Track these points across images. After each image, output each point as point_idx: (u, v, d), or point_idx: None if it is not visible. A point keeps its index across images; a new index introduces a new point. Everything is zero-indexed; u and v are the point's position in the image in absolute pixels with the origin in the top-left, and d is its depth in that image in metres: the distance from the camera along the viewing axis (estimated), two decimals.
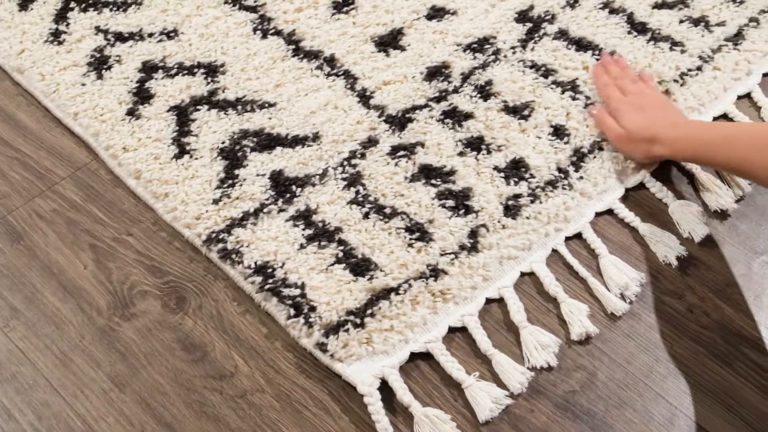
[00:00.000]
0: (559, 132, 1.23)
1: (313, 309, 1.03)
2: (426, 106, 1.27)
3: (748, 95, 1.32)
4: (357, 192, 1.16)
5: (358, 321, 1.02)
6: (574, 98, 1.27)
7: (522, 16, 1.40)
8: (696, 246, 1.13)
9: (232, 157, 1.20)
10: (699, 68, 1.32)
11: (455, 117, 1.25)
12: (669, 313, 1.07)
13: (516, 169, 1.18)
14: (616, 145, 1.20)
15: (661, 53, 1.33)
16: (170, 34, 1.38)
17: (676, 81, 1.30)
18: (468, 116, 1.25)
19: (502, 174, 1.18)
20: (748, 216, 1.17)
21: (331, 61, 1.34)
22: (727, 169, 1.17)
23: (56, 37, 1.38)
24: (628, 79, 1.26)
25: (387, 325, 1.02)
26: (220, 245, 1.11)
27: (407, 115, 1.25)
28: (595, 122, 1.24)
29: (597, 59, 1.32)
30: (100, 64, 1.33)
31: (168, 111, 1.26)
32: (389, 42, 1.36)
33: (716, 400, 0.99)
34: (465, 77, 1.31)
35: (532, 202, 1.15)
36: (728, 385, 1.01)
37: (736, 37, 1.36)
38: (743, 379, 1.01)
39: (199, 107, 1.27)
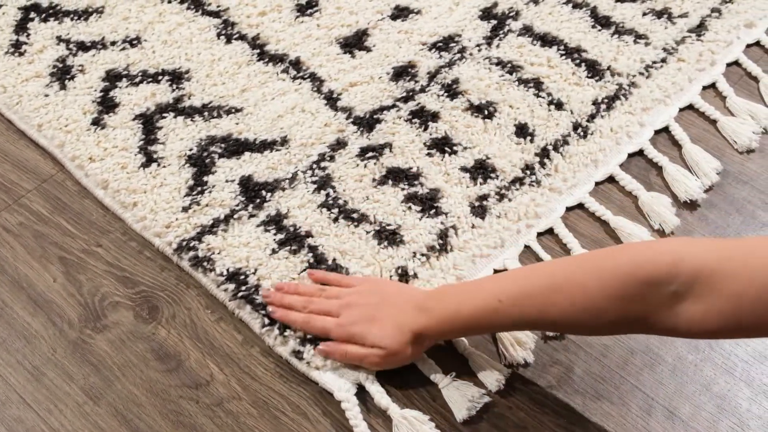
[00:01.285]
0: (523, 130, 1.23)
1: None
2: (393, 106, 1.26)
3: (713, 85, 1.33)
4: (327, 195, 1.15)
5: None
6: (537, 95, 1.27)
7: (486, 14, 1.41)
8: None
9: (201, 163, 1.19)
10: (663, 60, 1.33)
11: (423, 117, 1.24)
12: None
13: (482, 169, 1.18)
14: (385, 367, 0.99)
15: (625, 46, 1.34)
16: (133, 42, 1.37)
17: (641, 74, 1.30)
18: (435, 116, 1.25)
19: (469, 174, 1.18)
20: (717, 205, 1.18)
21: (296, 64, 1.33)
22: (521, 326, 0.98)
23: (17, 48, 1.36)
24: (317, 297, 1.03)
25: None
26: (191, 253, 1.10)
27: (375, 116, 1.25)
28: (336, 359, 1.00)
29: (561, 54, 1.33)
30: (62, 74, 1.32)
31: (134, 119, 1.25)
32: (354, 43, 1.36)
33: (693, 390, 1.00)
34: (431, 76, 1.31)
35: (500, 200, 1.15)
36: (703, 374, 1.01)
37: (699, 28, 1.38)
38: (719, 367, 1.02)
39: (165, 114, 1.26)
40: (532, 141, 1.21)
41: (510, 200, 1.15)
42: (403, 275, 1.07)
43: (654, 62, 1.32)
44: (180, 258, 1.10)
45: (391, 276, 1.07)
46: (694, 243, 0.84)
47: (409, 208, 1.14)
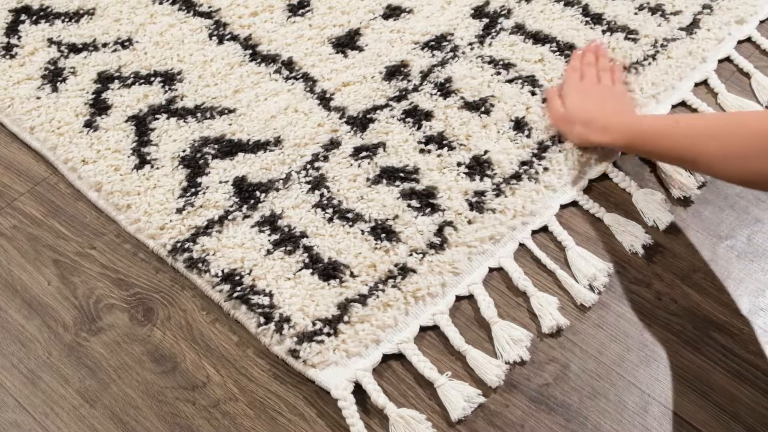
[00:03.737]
0: (520, 126, 1.23)
1: (283, 316, 1.03)
2: (387, 105, 1.26)
3: (704, 82, 1.33)
4: (321, 195, 1.15)
5: (331, 330, 1.02)
6: (533, 93, 1.27)
7: (478, 12, 1.41)
8: (661, 234, 1.14)
9: (194, 165, 1.19)
10: (654, 56, 1.33)
11: (416, 116, 1.24)
12: (638, 301, 1.08)
13: (479, 165, 1.18)
14: (554, 123, 1.23)
15: (616, 43, 1.34)
16: (125, 44, 1.36)
17: (632, 70, 1.31)
18: (429, 114, 1.25)
19: (466, 170, 1.18)
20: (711, 202, 1.18)
21: (289, 64, 1.33)
22: (673, 159, 1.12)
23: (8, 50, 1.36)
24: (595, 67, 1.27)
25: (359, 329, 1.02)
26: (186, 254, 1.10)
27: (368, 116, 1.25)
28: (547, 92, 1.27)
29: (553, 51, 1.33)
30: (54, 76, 1.31)
31: (126, 121, 1.25)
32: (347, 43, 1.36)
33: (688, 386, 1.00)
34: (424, 75, 1.31)
35: (497, 196, 1.15)
36: (699, 370, 1.02)
37: (692, 25, 1.38)
38: (713, 363, 1.02)
39: (157, 116, 1.25)
40: (528, 137, 1.21)
41: (506, 196, 1.15)
42: (402, 271, 1.07)
43: (645, 59, 1.32)
44: (174, 260, 1.10)
45: (391, 274, 1.07)
46: None
47: (407, 205, 1.14)
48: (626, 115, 1.18)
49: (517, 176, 1.17)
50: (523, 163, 1.19)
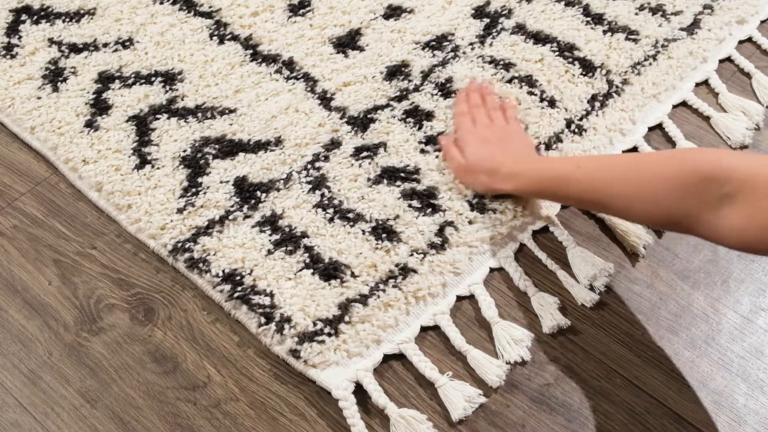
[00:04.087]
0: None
1: (284, 316, 1.03)
2: (387, 105, 1.26)
3: (705, 82, 1.33)
4: (322, 195, 1.15)
5: (332, 330, 1.02)
6: (531, 93, 1.27)
7: (479, 12, 1.41)
8: (662, 234, 1.14)
9: (195, 165, 1.19)
10: (655, 57, 1.33)
11: (417, 116, 1.24)
12: (639, 301, 1.08)
13: None
14: (457, 176, 1.16)
15: (617, 43, 1.34)
16: (125, 44, 1.36)
17: (633, 71, 1.31)
18: (429, 115, 1.25)
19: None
20: None
21: (289, 64, 1.33)
22: (584, 203, 1.10)
23: (8, 50, 1.36)
24: (485, 109, 1.21)
25: (360, 329, 1.02)
26: (187, 254, 1.10)
27: (369, 116, 1.25)
28: (442, 142, 1.20)
29: (553, 51, 1.33)
30: (55, 76, 1.31)
31: (127, 121, 1.25)
32: (347, 43, 1.36)
33: (688, 386, 1.00)
34: (425, 75, 1.31)
35: (497, 197, 1.15)
36: (700, 370, 1.02)
37: (692, 25, 1.38)
38: (715, 363, 1.02)
39: (158, 116, 1.25)
40: None
41: (506, 196, 1.15)
42: (403, 272, 1.07)
43: (646, 59, 1.32)
44: (175, 260, 1.10)
45: (392, 274, 1.07)
46: (752, 156, 0.94)
47: (408, 205, 1.14)
48: (531, 162, 1.11)
49: None
50: None
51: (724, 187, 0.84)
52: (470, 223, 1.12)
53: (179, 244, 1.11)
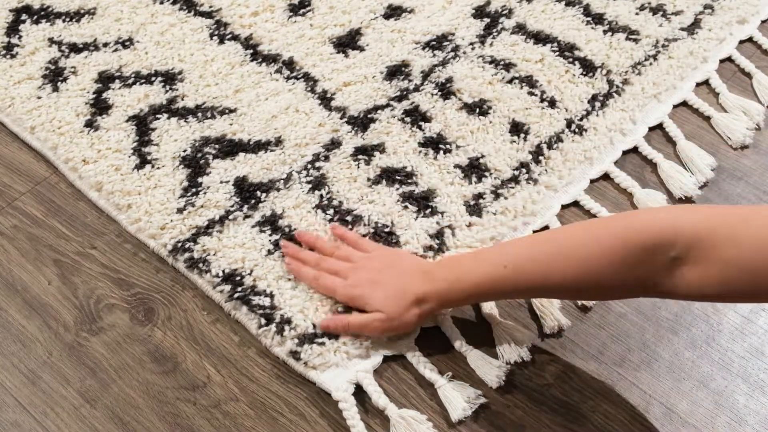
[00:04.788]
0: (518, 128, 1.23)
1: (284, 318, 1.03)
2: (387, 105, 1.26)
3: (706, 82, 1.33)
4: (322, 195, 1.15)
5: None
6: (531, 93, 1.27)
7: (479, 12, 1.41)
8: None
9: (195, 165, 1.19)
10: (655, 56, 1.33)
11: (417, 116, 1.24)
12: (639, 302, 1.07)
13: (477, 168, 1.18)
14: (385, 333, 1.01)
15: (618, 43, 1.34)
16: (125, 43, 1.36)
17: (634, 71, 1.31)
18: (429, 115, 1.24)
19: (463, 173, 1.18)
20: (712, 201, 1.18)
21: (290, 64, 1.33)
22: (524, 292, 1.00)
23: (9, 50, 1.35)
24: (329, 257, 1.06)
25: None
26: (187, 254, 1.09)
27: (369, 116, 1.25)
28: (338, 331, 1.01)
29: (554, 51, 1.33)
30: (55, 76, 1.31)
31: (127, 121, 1.25)
32: (348, 43, 1.36)
33: (690, 387, 1.00)
34: (425, 75, 1.30)
35: (496, 198, 1.15)
36: (701, 371, 1.02)
37: (693, 25, 1.38)
38: (716, 363, 1.02)
39: (158, 116, 1.25)
40: (525, 139, 1.21)
41: (506, 198, 1.15)
42: None
43: (647, 59, 1.32)
44: (175, 260, 1.10)
45: None
46: (693, 210, 0.87)
47: (405, 207, 1.13)
48: (440, 271, 0.98)
49: (515, 178, 1.17)
50: (521, 165, 1.18)
51: (671, 252, 0.81)
52: (469, 225, 1.12)
53: (179, 244, 1.10)
